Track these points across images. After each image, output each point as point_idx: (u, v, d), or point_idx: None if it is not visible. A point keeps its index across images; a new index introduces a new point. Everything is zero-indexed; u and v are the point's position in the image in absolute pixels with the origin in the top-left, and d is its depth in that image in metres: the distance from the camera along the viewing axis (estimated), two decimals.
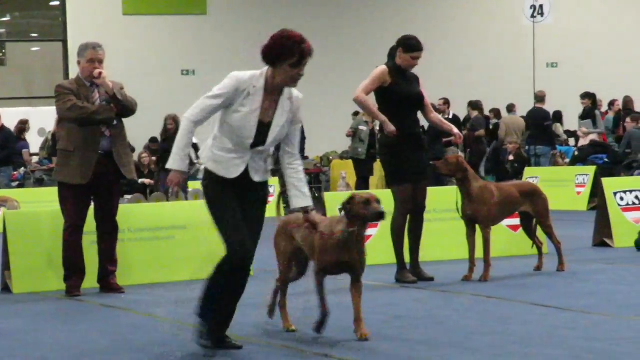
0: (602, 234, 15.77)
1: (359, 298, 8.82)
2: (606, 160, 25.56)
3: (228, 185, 8.04)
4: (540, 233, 13.13)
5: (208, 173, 8.13)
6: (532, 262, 13.12)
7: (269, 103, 8.03)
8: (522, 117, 29.43)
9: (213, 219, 8.12)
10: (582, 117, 29.11)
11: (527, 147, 28.40)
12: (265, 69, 8.03)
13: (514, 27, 31.71)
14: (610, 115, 28.63)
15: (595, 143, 27.17)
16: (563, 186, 23.43)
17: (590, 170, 23.61)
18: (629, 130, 25.34)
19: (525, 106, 29.48)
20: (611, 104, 29.26)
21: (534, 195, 13.00)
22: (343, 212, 8.53)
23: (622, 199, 15.96)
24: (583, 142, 27.71)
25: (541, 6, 30.64)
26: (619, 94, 28.97)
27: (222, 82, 8.03)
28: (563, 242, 13.10)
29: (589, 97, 29.31)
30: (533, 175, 24.06)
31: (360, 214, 8.36)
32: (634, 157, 21.46)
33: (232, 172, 8.04)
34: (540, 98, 28.95)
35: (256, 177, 8.12)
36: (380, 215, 8.37)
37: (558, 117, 30.33)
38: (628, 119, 26.60)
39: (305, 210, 8.29)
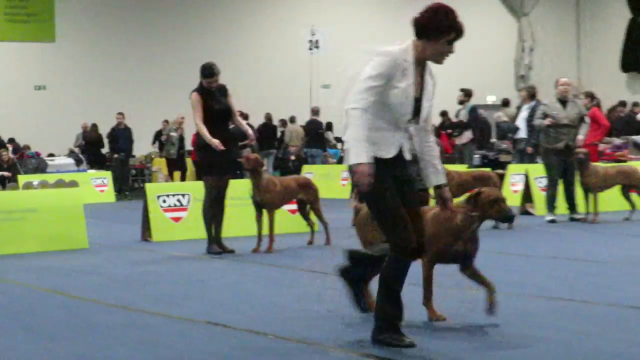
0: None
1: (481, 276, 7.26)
2: None
3: (384, 167, 6.18)
4: (312, 215, 13.28)
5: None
6: (306, 237, 13.26)
7: (418, 77, 6.29)
8: (302, 126, 29.66)
9: (372, 207, 6.41)
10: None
11: (305, 150, 28.67)
12: (411, 42, 6.29)
13: (296, 56, 31.94)
14: None
15: None
16: (332, 180, 23.66)
17: None
18: None
19: (304, 117, 29.73)
20: None
21: (308, 187, 13.15)
22: (466, 204, 6.87)
23: None
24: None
25: (317, 41, 30.94)
26: None
27: (373, 62, 6.21)
28: (330, 223, 13.27)
29: None
30: (309, 171, 24.25)
31: (488, 213, 6.81)
32: None
33: (390, 151, 6.25)
34: (315, 112, 29.25)
35: (407, 155, 6.37)
36: (510, 218, 7.00)
37: (329, 126, 30.62)
38: None
39: (439, 186, 6.52)
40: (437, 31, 6.20)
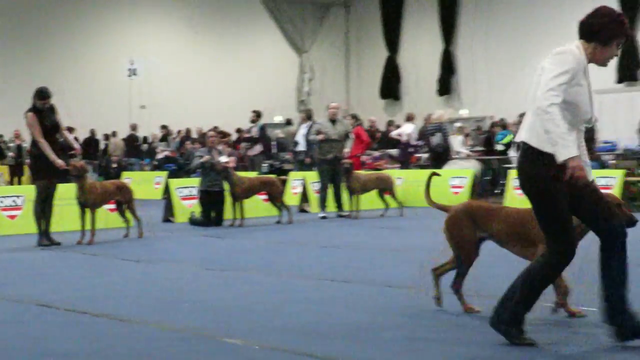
0: (168, 213, 15.89)
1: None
2: (174, 167, 25.72)
3: (563, 168, 5.04)
4: (128, 213, 13.06)
5: (545, 157, 5.12)
6: (122, 232, 12.98)
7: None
8: (122, 139, 29.20)
9: (541, 208, 5.22)
10: (161, 140, 29.21)
11: (124, 159, 28.24)
12: (579, 43, 5.26)
13: (118, 81, 31.27)
14: (178, 139, 28.80)
15: (168, 157, 27.30)
16: (146, 183, 23.35)
17: (164, 174, 23.66)
18: (189, 149, 25.58)
19: (124, 132, 29.28)
20: (178, 132, 29.37)
21: (124, 189, 12.97)
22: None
23: (181, 191, 16.11)
24: (160, 155, 27.76)
25: (135, 69, 30.50)
26: (183, 125, 29.16)
27: (556, 59, 5.11)
28: (142, 219, 13.09)
29: (164, 128, 29.46)
30: (128, 177, 23.87)
31: None
32: (190, 166, 21.57)
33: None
34: (133, 128, 28.90)
35: (583, 155, 5.22)
36: (634, 223, 5.45)
37: (145, 140, 30.12)
38: (188, 142, 26.89)
39: (592, 182, 5.29)
40: (612, 35, 5.24)
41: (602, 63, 5.34)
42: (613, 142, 21.60)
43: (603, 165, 18.41)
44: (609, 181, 16.21)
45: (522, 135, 5.26)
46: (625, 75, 26.98)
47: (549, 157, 5.09)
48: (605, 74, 26.56)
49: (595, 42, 5.23)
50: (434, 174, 6.83)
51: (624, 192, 15.99)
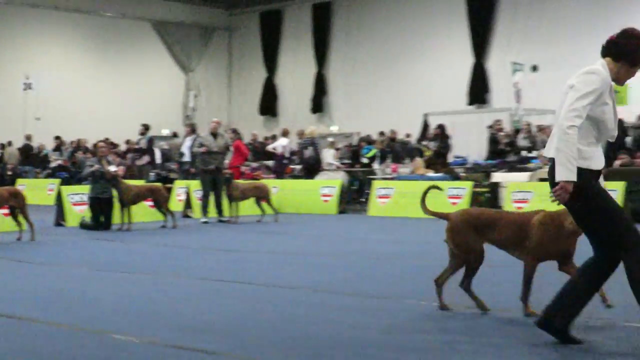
0: (60, 218, 15.45)
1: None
2: (67, 175, 24.99)
3: (593, 177, 4.89)
4: (21, 218, 12.59)
5: (580, 171, 4.80)
6: (15, 235, 12.53)
7: None
8: (18, 148, 28.25)
9: (601, 215, 4.86)
10: (54, 150, 28.39)
11: (19, 167, 27.30)
12: (603, 61, 4.90)
13: (13, 94, 30.24)
14: (70, 149, 27.98)
15: (61, 166, 26.50)
16: (39, 190, 22.58)
17: (57, 181, 22.96)
18: (80, 158, 24.90)
19: (20, 142, 28.34)
20: (71, 142, 28.50)
21: (17, 195, 12.57)
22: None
23: (72, 198, 15.63)
24: (53, 164, 26.93)
25: (30, 83, 29.60)
26: (76, 136, 28.35)
27: (583, 79, 4.81)
28: (35, 223, 12.66)
29: (58, 138, 28.56)
30: (22, 184, 23.06)
31: None
32: (81, 174, 21.11)
33: (600, 163, 4.90)
34: (28, 138, 28.03)
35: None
36: None
37: (39, 149, 29.17)
38: (80, 152, 26.16)
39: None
40: None
41: (622, 83, 5.00)
42: (464, 157, 22.15)
43: (455, 177, 18.88)
44: (460, 191, 16.66)
45: (552, 152, 4.93)
46: (475, 98, 27.74)
47: (579, 171, 4.81)
48: (458, 97, 27.44)
49: (623, 61, 4.91)
50: (433, 187, 6.61)
51: (472, 201, 16.45)
